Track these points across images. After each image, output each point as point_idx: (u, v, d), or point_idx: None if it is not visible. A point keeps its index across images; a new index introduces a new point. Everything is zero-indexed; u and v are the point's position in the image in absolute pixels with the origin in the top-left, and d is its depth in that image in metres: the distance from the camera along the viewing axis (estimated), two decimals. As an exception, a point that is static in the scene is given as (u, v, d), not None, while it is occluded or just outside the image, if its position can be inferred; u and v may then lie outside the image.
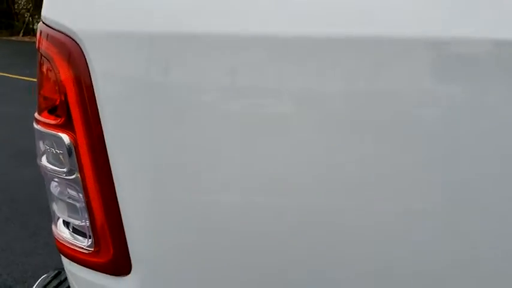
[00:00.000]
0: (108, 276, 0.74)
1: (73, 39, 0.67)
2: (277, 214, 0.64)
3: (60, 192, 0.77)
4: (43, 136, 0.75)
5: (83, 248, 0.76)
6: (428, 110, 0.56)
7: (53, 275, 0.98)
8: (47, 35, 0.71)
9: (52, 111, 0.73)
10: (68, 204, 0.76)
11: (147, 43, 0.64)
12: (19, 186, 3.25)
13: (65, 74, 0.69)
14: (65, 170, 0.72)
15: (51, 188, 0.79)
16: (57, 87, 0.70)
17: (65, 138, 0.70)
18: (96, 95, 0.67)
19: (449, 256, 0.61)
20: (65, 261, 0.83)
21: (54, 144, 0.73)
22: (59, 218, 0.82)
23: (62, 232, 0.81)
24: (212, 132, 0.63)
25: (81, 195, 0.72)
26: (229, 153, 0.63)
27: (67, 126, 0.70)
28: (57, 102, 0.71)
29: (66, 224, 0.82)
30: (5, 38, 14.26)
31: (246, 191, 0.65)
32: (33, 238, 2.54)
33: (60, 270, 0.98)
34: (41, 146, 0.76)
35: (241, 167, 0.63)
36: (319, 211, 0.63)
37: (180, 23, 0.62)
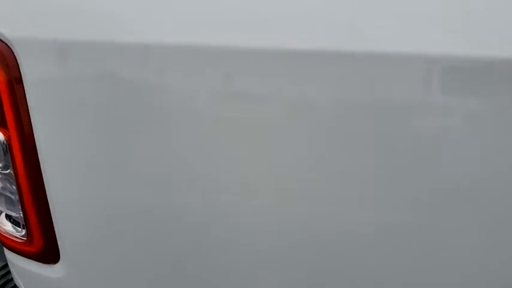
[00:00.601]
0: (40, 264, 0.80)
1: (6, 45, 0.74)
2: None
3: (1, 187, 0.84)
4: None
5: (18, 238, 0.82)
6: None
7: (0, 266, 1.05)
8: (-15, 40, 0.77)
9: (-8, 112, 0.80)
10: (6, 197, 0.82)
11: (74, 50, 0.70)
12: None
13: None
14: (0, 165, 0.78)
15: (-7, 184, 0.85)
16: None
17: (0, 136, 0.76)
18: (27, 97, 0.73)
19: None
20: (6, 251, 0.89)
21: (-8, 141, 0.79)
22: (1, 212, 0.88)
23: (4, 225, 0.87)
24: (134, 133, 0.69)
25: (14, 187, 0.78)
26: (149, 150, 0.69)
27: (2, 124, 0.76)
28: None
29: (9, 217, 0.88)
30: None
31: (165, 186, 0.70)
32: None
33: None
34: (-17, 144, 0.83)
35: (162, 164, 0.69)
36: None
37: (103, 31, 0.69)
